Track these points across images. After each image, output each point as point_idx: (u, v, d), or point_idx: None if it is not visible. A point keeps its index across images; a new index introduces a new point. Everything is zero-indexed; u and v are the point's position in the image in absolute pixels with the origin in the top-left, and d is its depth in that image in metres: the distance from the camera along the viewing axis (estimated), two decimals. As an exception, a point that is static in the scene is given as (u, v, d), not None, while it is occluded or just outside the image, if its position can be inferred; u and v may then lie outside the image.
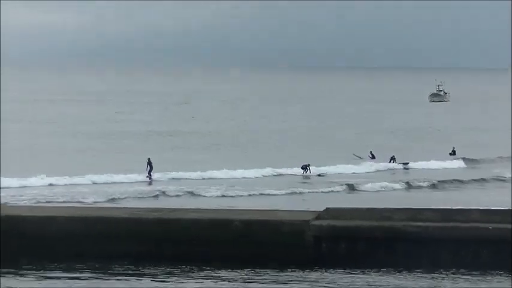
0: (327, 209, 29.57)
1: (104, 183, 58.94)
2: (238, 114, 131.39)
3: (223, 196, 53.47)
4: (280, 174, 64.03)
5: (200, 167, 64.14)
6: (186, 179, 60.65)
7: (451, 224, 27.69)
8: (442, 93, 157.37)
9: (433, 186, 59.76)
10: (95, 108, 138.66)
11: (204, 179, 62.36)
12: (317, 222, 27.91)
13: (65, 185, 58.35)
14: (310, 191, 55.63)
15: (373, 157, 73.75)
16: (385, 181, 60.81)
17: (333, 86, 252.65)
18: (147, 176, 60.37)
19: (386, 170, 67.82)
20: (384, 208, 33.52)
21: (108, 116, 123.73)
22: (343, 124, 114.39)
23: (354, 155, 74.55)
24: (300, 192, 54.22)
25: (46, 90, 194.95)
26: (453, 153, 78.93)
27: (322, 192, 55.31)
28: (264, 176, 63.59)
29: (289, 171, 65.41)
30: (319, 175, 65.18)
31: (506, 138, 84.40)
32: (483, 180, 62.24)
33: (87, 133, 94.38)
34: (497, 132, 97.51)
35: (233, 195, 53.50)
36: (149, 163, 60.11)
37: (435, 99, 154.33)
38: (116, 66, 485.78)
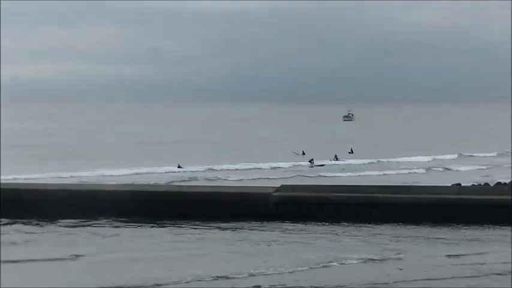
0: (282, 185, 34.75)
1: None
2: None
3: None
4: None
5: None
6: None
7: (356, 194, 32.28)
8: (350, 115, 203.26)
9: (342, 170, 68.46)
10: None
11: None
12: (276, 194, 32.32)
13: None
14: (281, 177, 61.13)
15: (303, 154, 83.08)
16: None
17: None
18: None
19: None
20: (317, 185, 41.19)
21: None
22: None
23: (293, 152, 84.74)
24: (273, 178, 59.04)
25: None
26: (351, 151, 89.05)
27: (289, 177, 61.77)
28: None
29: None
30: (318, 165, 73.65)
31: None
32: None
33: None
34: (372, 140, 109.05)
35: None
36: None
37: (346, 119, 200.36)
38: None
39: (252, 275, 21.50)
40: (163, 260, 24.03)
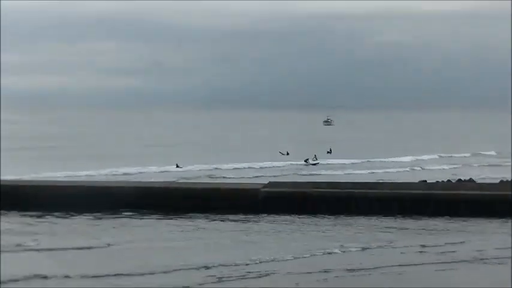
0: (269, 182, 35.28)
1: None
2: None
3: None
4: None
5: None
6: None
7: (334, 189, 32.84)
8: (329, 120, 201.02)
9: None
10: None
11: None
12: (264, 189, 32.83)
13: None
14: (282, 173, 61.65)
15: (288, 154, 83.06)
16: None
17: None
18: None
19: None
20: (301, 181, 41.73)
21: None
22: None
23: (279, 152, 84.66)
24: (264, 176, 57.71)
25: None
26: (330, 151, 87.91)
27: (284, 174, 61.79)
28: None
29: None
30: (313, 164, 73.25)
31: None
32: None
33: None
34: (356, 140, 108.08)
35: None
36: None
37: (325, 123, 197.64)
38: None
39: (252, 262, 21.99)
40: (180, 248, 24.74)
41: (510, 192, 31.61)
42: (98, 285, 19.41)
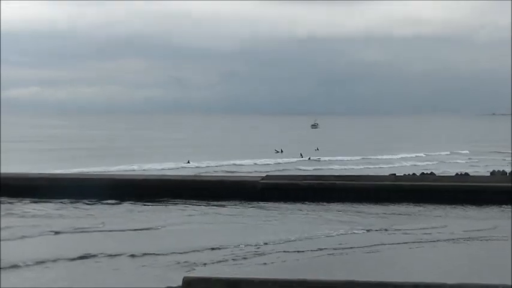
0: (267, 175, 35.77)
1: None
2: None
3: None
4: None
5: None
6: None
7: (320, 181, 32.80)
8: (316, 124, 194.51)
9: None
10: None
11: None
12: (263, 181, 32.86)
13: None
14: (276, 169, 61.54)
15: (281, 151, 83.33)
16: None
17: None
18: None
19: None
20: (293, 174, 42.39)
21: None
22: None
23: (275, 150, 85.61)
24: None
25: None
26: (317, 149, 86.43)
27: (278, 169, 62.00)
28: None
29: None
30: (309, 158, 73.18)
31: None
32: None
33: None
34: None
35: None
36: None
37: (313, 127, 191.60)
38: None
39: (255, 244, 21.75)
40: (201, 231, 24.62)
41: (462, 183, 32.55)
42: (162, 261, 19.42)
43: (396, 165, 67.58)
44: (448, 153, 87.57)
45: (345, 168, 65.33)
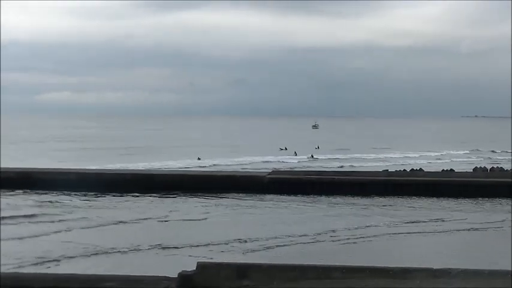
0: (273, 170, 36.35)
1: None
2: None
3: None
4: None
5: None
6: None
7: (320, 176, 32.67)
8: (316, 125, 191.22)
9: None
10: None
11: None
12: (269, 176, 32.58)
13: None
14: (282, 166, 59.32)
15: (286, 149, 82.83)
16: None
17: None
18: None
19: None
20: (296, 170, 42.47)
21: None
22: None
23: (280, 148, 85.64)
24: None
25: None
26: (318, 147, 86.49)
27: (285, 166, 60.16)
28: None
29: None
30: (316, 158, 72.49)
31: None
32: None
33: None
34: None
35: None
36: None
37: (313, 127, 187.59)
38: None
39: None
40: (212, 223, 24.29)
41: (450, 178, 32.21)
42: (178, 250, 19.15)
43: (390, 164, 66.98)
44: (437, 152, 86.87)
45: (343, 165, 65.06)
